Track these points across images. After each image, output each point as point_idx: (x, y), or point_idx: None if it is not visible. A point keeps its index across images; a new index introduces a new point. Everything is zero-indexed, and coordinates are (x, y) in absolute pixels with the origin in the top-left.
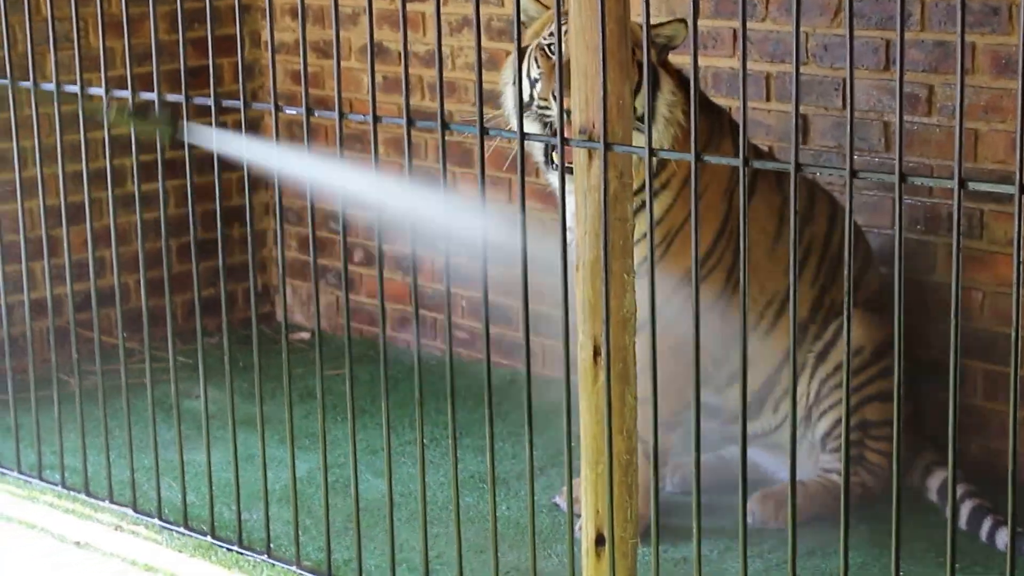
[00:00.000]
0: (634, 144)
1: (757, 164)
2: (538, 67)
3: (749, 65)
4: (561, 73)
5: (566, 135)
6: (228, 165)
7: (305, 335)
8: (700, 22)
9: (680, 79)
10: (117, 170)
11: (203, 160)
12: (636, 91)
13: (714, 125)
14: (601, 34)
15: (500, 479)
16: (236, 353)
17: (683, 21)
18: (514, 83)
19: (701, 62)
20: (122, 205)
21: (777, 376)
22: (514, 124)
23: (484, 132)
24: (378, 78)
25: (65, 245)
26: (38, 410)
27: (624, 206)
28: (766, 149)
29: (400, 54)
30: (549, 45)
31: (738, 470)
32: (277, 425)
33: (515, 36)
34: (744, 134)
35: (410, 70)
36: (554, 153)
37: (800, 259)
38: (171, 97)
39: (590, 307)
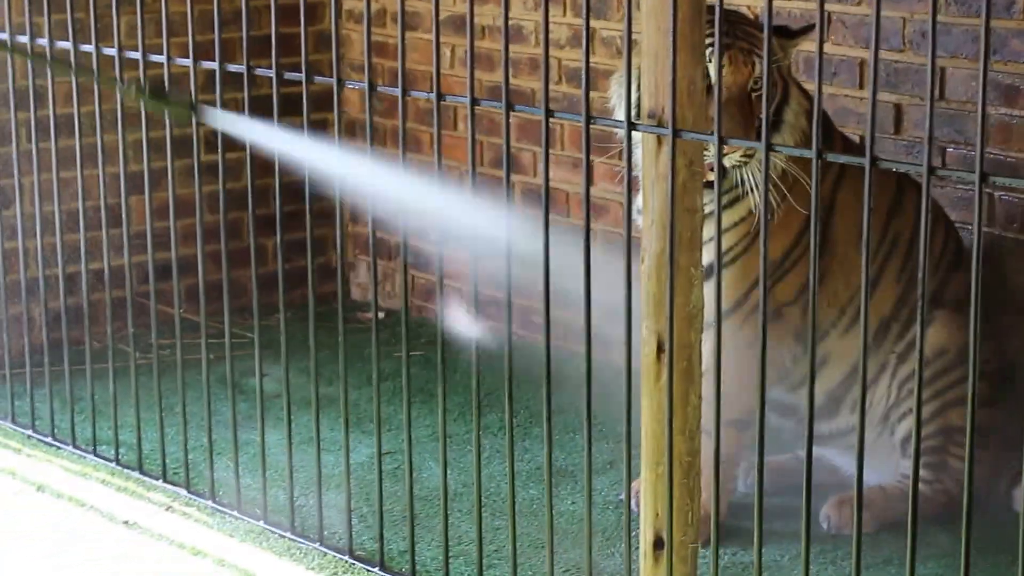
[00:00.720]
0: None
1: (831, 157)
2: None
3: (843, 51)
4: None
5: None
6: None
7: (378, 315)
8: (791, 4)
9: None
10: (179, 140)
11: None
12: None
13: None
14: (672, 15)
15: (569, 472)
16: (303, 331)
17: (813, 27)
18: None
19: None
20: (187, 175)
21: (857, 374)
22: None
23: (550, 113)
24: (462, 54)
25: (123, 215)
26: (94, 383)
27: (693, 197)
28: (856, 139)
29: (483, 29)
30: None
31: (816, 472)
32: (341, 408)
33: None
34: (817, 123)
35: (492, 47)
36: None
37: (885, 253)
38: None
39: (654, 302)
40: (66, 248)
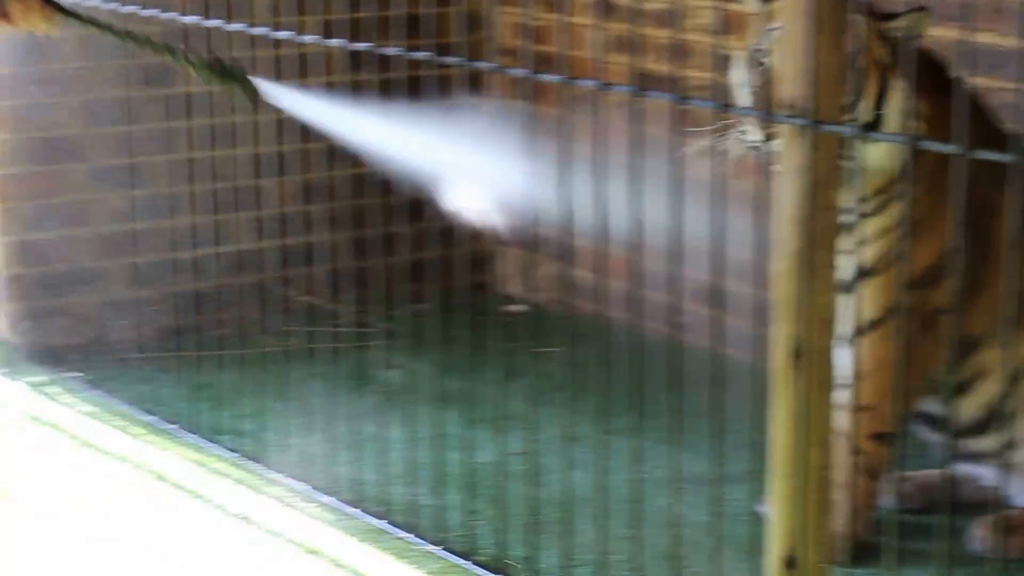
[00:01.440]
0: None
1: (978, 154)
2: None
3: (1009, 42)
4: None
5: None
6: None
7: (520, 307)
8: None
9: (926, 66)
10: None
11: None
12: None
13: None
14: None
15: (704, 479)
16: (441, 324)
17: (924, 9)
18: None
19: (950, 34)
20: (324, 158)
21: (1012, 389)
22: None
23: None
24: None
25: (255, 198)
26: (220, 371)
27: (831, 193)
28: None
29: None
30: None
31: (970, 489)
32: (478, 403)
33: None
34: (964, 116)
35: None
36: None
37: None
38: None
39: (791, 303)
40: (198, 230)
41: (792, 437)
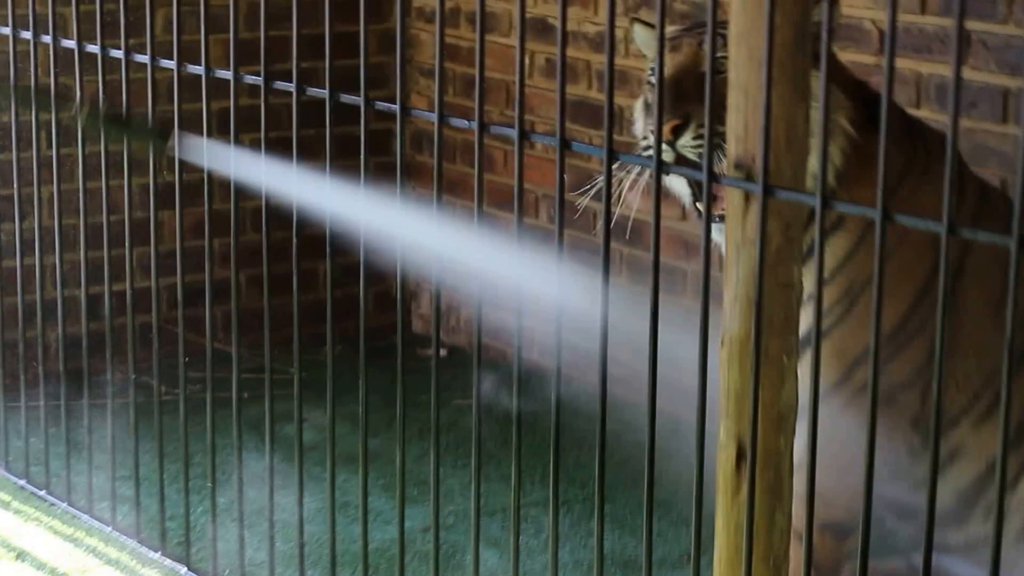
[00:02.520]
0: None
1: (966, 233)
2: (646, 99)
3: (982, 77)
4: (662, 95)
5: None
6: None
7: (440, 352)
8: (924, 19)
9: (848, 81)
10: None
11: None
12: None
13: (914, 153)
14: (768, 39)
15: (635, 564)
16: (352, 370)
17: None
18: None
19: (922, 68)
20: (225, 189)
21: (993, 475)
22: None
23: (613, 155)
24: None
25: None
26: (91, 427)
27: (789, 268)
28: (997, 184)
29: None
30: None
31: None
32: (387, 465)
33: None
34: (951, 176)
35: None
36: (699, 203)
37: None
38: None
39: (735, 397)
40: (89, 266)
41: (734, 552)
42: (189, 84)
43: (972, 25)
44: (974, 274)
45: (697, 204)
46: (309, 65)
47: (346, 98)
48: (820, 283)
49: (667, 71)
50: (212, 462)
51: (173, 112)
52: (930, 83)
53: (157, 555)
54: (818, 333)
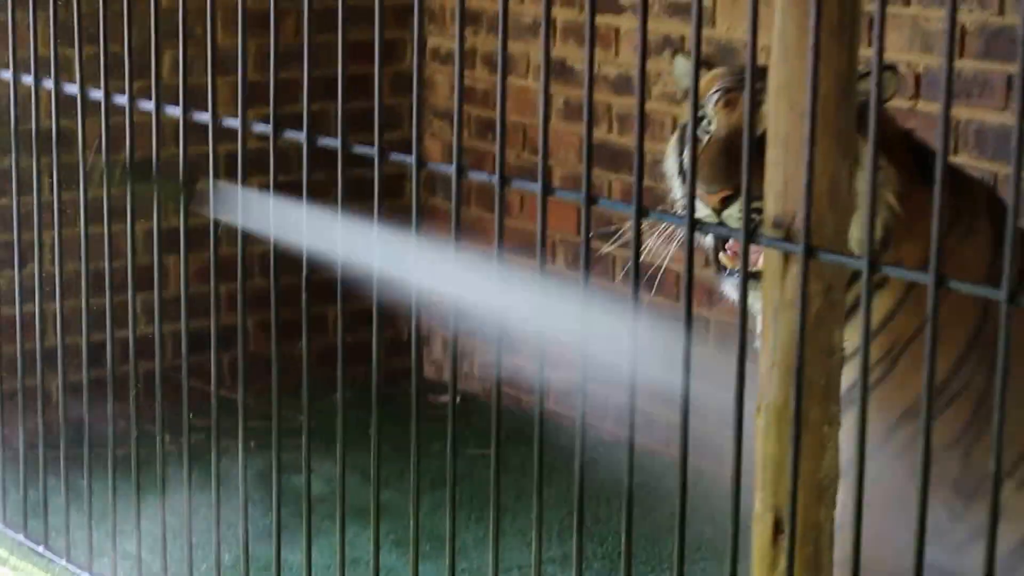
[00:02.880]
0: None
1: (953, 284)
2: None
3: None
4: (694, 152)
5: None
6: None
7: (450, 397)
8: (963, 63)
9: (901, 142)
10: None
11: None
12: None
13: (957, 208)
14: (812, 93)
15: None
16: (363, 417)
17: (893, 68)
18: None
19: (960, 114)
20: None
21: None
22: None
23: (643, 213)
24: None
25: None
26: (92, 479)
27: (830, 333)
28: None
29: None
30: (705, 119)
31: None
32: (399, 518)
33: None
34: (1012, 239)
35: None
36: (722, 254)
37: None
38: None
39: (773, 466)
40: (91, 313)
41: None
42: (197, 129)
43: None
44: (1017, 332)
45: (719, 257)
46: (320, 107)
47: (359, 148)
48: (867, 349)
49: (720, 131)
50: (217, 515)
51: (183, 159)
52: (968, 128)
53: None
54: (864, 398)
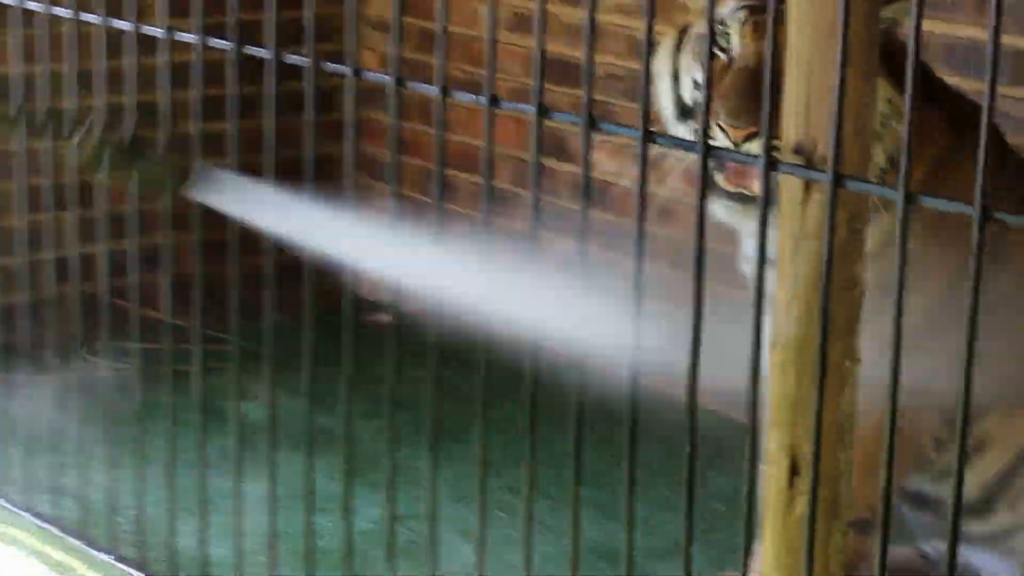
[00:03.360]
0: None
1: (1000, 215)
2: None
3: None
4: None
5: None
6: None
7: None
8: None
9: (900, 59)
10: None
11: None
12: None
13: (954, 132)
14: (844, 7)
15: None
16: (305, 340)
17: None
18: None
19: (931, 27)
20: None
21: (1021, 466)
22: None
23: (649, 137)
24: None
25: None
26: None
27: (852, 266)
28: None
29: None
30: (719, 39)
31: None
32: (352, 446)
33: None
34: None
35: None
36: (718, 174)
37: None
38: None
39: (790, 406)
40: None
41: (785, 573)
42: (116, 40)
43: None
44: (1011, 257)
45: (716, 177)
46: (252, 17)
47: (291, 58)
48: (902, 285)
49: (748, 58)
50: (173, 446)
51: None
52: (939, 43)
53: (109, 558)
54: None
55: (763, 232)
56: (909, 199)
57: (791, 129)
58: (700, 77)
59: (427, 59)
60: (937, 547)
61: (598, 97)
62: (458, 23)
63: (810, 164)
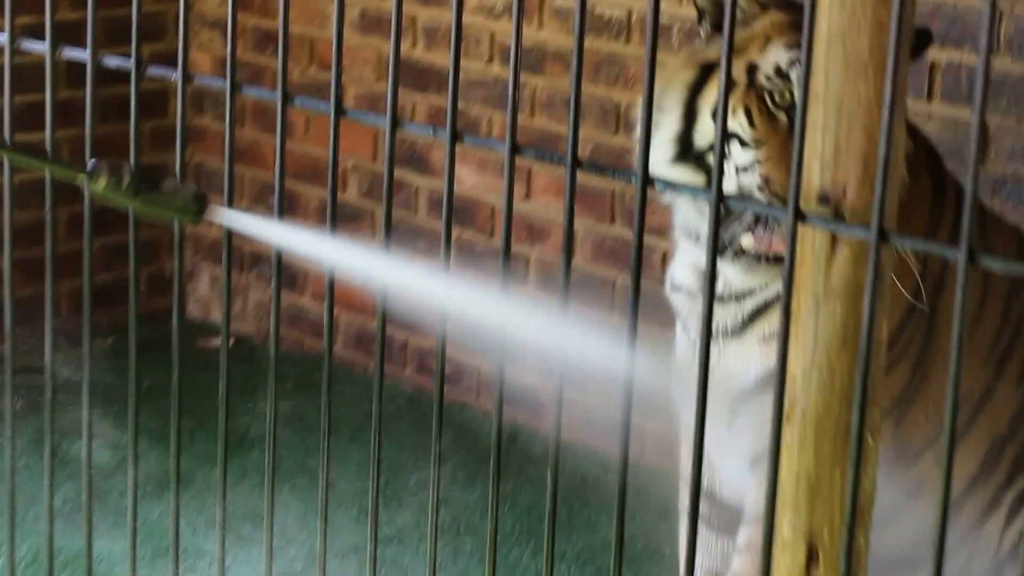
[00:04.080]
0: None
1: (988, 262)
2: (749, 122)
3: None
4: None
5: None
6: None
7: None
8: None
9: None
10: None
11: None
12: None
13: (935, 180)
14: (896, 38)
15: None
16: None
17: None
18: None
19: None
20: None
21: (961, 505)
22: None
23: (648, 182)
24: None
25: None
26: None
27: (879, 328)
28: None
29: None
30: (773, 92)
31: None
32: (195, 491)
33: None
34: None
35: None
36: (746, 236)
37: (1004, 350)
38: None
39: (808, 485)
40: None
41: None
42: None
43: None
44: (949, 299)
45: (743, 238)
46: (74, 17)
47: (112, 61)
48: (960, 351)
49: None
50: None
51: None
52: None
53: None
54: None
55: (788, 290)
56: (883, 237)
57: (815, 175)
58: (743, 129)
59: (267, 60)
60: None
61: (461, 104)
62: (302, 22)
63: (837, 214)
